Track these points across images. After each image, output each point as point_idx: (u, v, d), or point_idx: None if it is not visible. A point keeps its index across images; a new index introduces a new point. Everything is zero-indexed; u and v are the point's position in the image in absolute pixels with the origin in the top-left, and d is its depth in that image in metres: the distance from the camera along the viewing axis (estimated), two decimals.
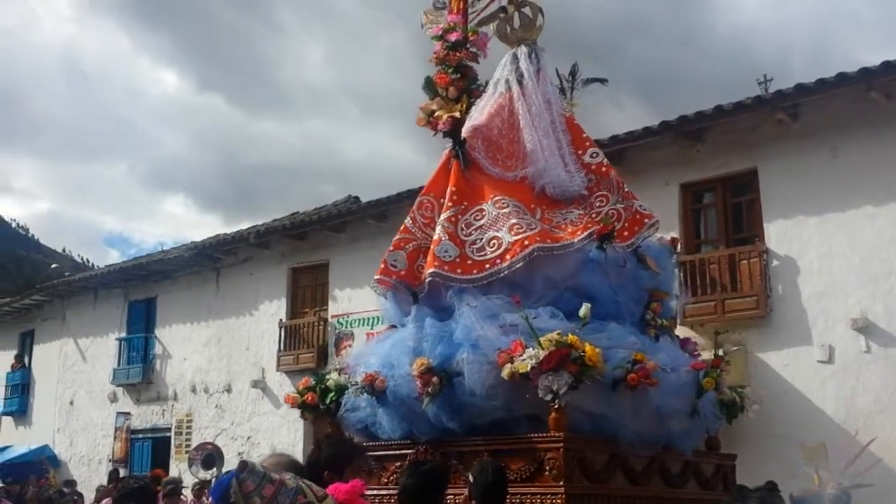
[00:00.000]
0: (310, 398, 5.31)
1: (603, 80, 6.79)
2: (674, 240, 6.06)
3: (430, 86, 5.60)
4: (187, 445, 18.22)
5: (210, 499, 3.41)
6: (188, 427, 19.10)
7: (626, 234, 5.44)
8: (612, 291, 5.15)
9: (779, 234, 12.12)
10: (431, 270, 4.99)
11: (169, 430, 19.57)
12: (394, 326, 5.38)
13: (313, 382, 5.34)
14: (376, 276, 5.33)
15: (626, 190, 5.70)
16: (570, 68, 6.72)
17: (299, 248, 17.60)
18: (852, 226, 11.50)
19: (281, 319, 17.48)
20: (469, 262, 5.02)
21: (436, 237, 5.13)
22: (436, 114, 5.51)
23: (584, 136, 5.94)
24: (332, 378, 5.29)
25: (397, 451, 4.99)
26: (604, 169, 5.73)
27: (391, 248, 5.36)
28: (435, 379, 4.64)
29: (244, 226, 22.41)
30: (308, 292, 17.49)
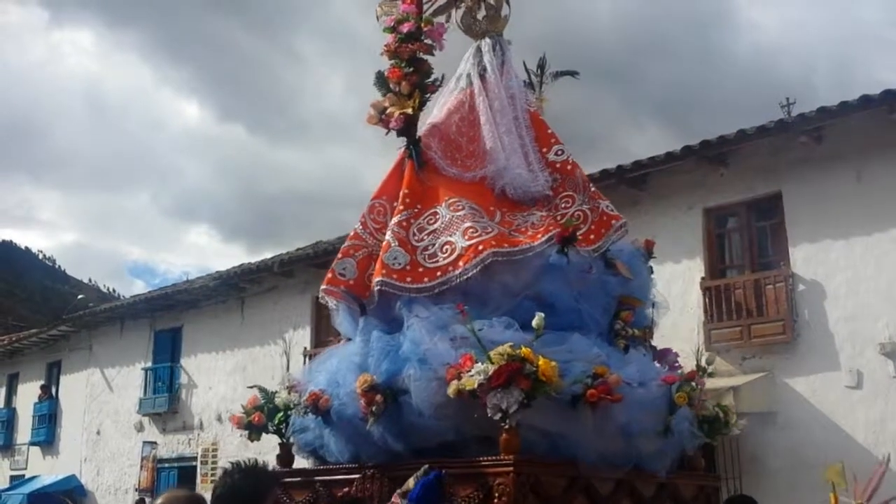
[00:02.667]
0: (257, 418, 4.94)
1: (574, 73, 6.27)
2: (648, 242, 5.56)
3: (381, 81, 5.20)
4: (213, 474, 18.23)
5: None
6: (214, 456, 19.13)
7: (592, 237, 5.02)
8: (574, 299, 4.73)
9: (804, 258, 12.03)
10: (379, 279, 4.64)
11: (195, 458, 19.63)
12: (350, 339, 5.02)
13: (261, 401, 4.99)
14: (323, 287, 4.98)
15: (594, 190, 5.29)
16: (538, 61, 6.22)
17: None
18: (879, 249, 11.39)
19: (305, 348, 17.52)
20: (420, 269, 4.66)
21: (385, 243, 4.78)
22: (388, 111, 5.11)
23: (550, 132, 5.50)
24: (282, 396, 4.94)
25: (345, 476, 4.60)
26: (569, 167, 5.30)
27: (339, 255, 5.01)
28: (379, 397, 4.28)
29: (267, 254, 22.54)
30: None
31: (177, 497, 2.76)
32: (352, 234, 5.09)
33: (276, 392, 5.02)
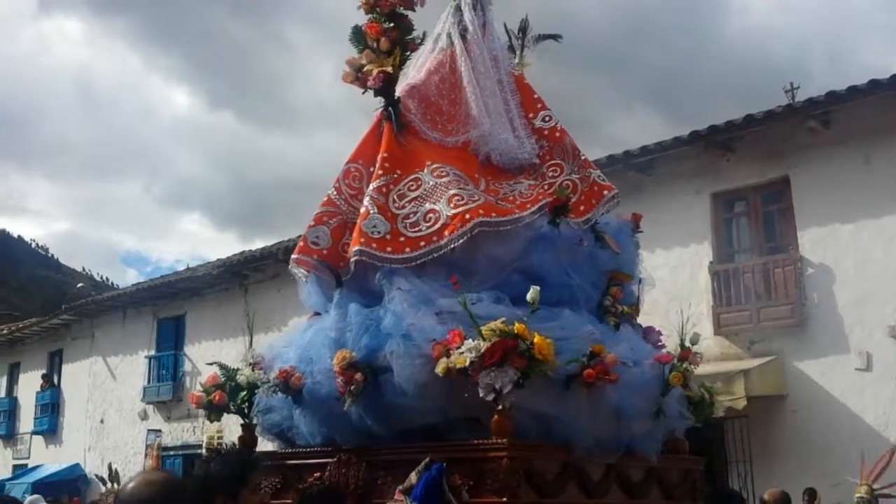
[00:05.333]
0: (217, 397, 4.54)
1: (556, 37, 5.92)
2: (635, 216, 5.20)
3: (358, 37, 4.81)
4: None
5: None
6: (219, 443, 19.14)
7: (582, 208, 4.73)
8: (565, 273, 4.44)
9: (813, 242, 12.04)
10: (357, 248, 4.28)
11: (200, 446, 19.62)
12: (318, 314, 4.67)
13: (222, 379, 4.61)
14: (294, 256, 4.68)
15: (584, 158, 4.97)
16: (520, 24, 5.83)
17: None
18: (887, 233, 11.41)
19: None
20: (401, 238, 4.32)
21: (363, 210, 4.43)
22: (365, 68, 4.73)
23: (536, 97, 5.20)
24: (245, 374, 4.54)
25: (317, 461, 4.28)
26: (557, 134, 5.00)
27: (312, 222, 4.67)
28: (359, 375, 3.95)
29: (260, 242, 22.43)
30: None
31: (149, 481, 2.46)
32: (325, 199, 4.74)
33: (239, 369, 4.64)
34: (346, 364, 3.99)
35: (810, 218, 12.08)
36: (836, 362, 11.51)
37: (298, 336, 4.62)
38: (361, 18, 4.93)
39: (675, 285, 12.41)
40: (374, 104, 4.92)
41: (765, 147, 12.53)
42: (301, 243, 4.67)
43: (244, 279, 19.41)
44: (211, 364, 4.81)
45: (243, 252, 20.09)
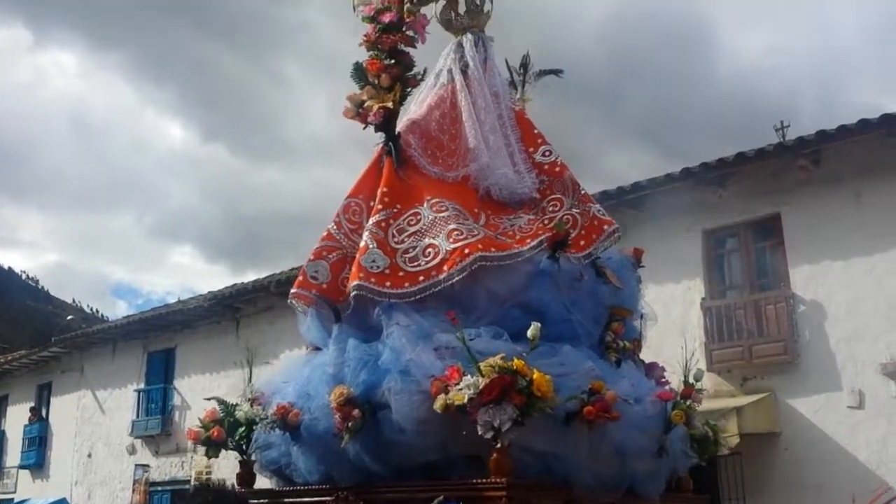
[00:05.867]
0: (216, 433, 4.52)
1: (558, 72, 5.95)
2: (636, 251, 5.23)
3: (359, 73, 4.84)
4: None
5: None
6: (208, 478, 18.96)
7: (582, 242, 4.72)
8: (565, 309, 4.41)
9: (804, 279, 12.08)
10: (356, 283, 4.26)
11: (188, 482, 19.41)
12: (318, 349, 4.64)
13: (220, 414, 4.59)
14: (293, 290, 4.63)
15: (584, 192, 4.98)
16: (521, 59, 5.86)
17: None
18: (878, 270, 11.46)
19: None
20: (400, 273, 4.30)
21: (362, 244, 4.41)
22: (366, 104, 4.76)
23: (537, 132, 5.22)
24: (243, 409, 4.52)
25: (314, 499, 4.24)
26: (557, 169, 5.01)
27: (311, 257, 4.65)
28: (356, 412, 3.92)
29: (251, 275, 22.40)
30: None
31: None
32: (325, 234, 4.74)
33: (238, 405, 4.63)
34: (344, 400, 3.96)
35: (801, 255, 12.13)
36: (828, 400, 11.50)
37: (297, 371, 4.59)
38: (361, 54, 4.95)
39: (668, 321, 12.38)
40: (371, 139, 4.94)
41: (756, 184, 12.61)
42: (300, 277, 4.64)
43: (236, 312, 19.34)
44: (210, 399, 4.82)
45: (235, 285, 20.05)
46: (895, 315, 11.22)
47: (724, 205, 12.96)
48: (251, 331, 19.09)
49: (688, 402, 4.46)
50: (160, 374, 21.03)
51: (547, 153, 5.12)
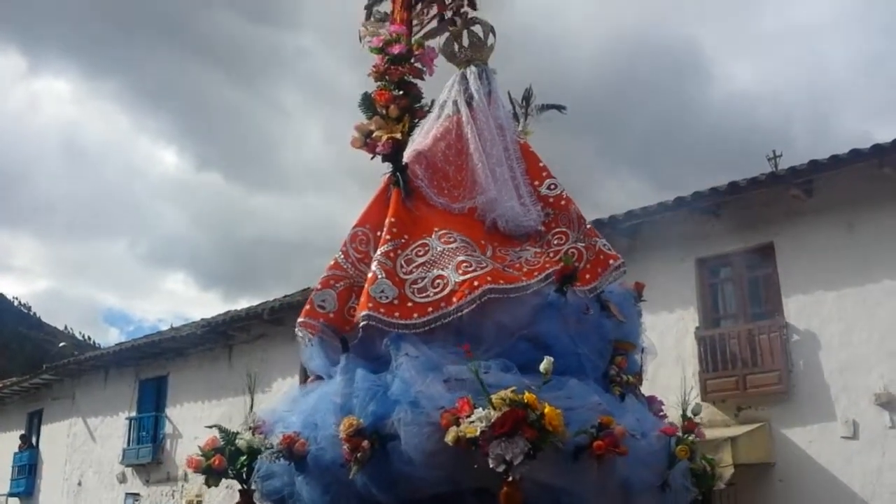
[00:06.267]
0: (217, 462, 4.43)
1: (560, 107, 6.00)
2: (638, 284, 5.26)
3: (368, 103, 4.86)
4: None
5: None
6: None
7: (588, 276, 4.75)
8: (572, 342, 4.43)
9: (798, 308, 12.09)
10: (365, 313, 4.26)
11: None
12: (320, 378, 4.64)
13: (221, 442, 4.52)
14: (300, 319, 4.61)
15: (589, 227, 5.03)
16: (524, 93, 5.92)
17: None
18: (871, 300, 11.49)
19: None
20: (409, 304, 4.30)
21: (371, 274, 4.41)
22: (374, 134, 4.76)
23: (542, 165, 5.27)
24: (245, 438, 4.46)
25: None
26: (563, 202, 5.05)
27: (318, 286, 4.65)
28: (365, 443, 3.90)
29: (244, 303, 22.34)
30: None
31: None
32: (332, 263, 4.74)
33: (239, 433, 4.57)
34: (353, 431, 3.94)
35: (795, 284, 12.16)
36: (822, 430, 11.49)
37: (301, 400, 4.57)
38: (359, 84, 5.01)
39: (662, 350, 12.33)
40: (365, 167, 4.96)
41: (749, 214, 12.66)
42: (307, 306, 4.63)
43: (229, 339, 19.28)
44: (211, 427, 4.74)
45: (228, 312, 20.01)
46: (888, 345, 11.23)
47: (718, 234, 12.99)
48: (244, 359, 19.02)
49: (691, 437, 4.50)
50: (152, 401, 20.92)
51: (552, 186, 5.16)
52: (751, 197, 12.48)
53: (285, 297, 19.02)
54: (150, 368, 21.11)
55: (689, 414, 4.67)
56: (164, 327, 23.84)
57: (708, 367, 12.56)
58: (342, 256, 4.75)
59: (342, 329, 4.50)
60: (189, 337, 19.86)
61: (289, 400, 4.74)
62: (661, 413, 4.89)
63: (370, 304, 4.29)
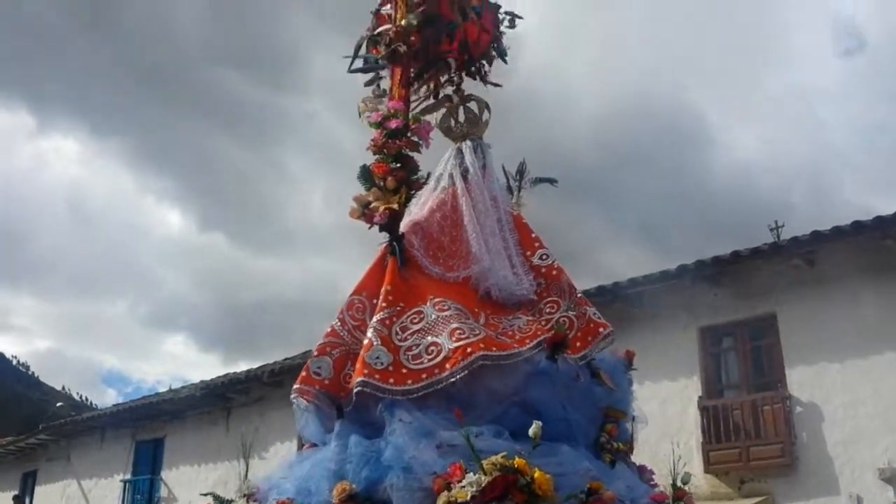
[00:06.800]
0: None
1: (552, 181, 6.19)
2: (628, 353, 5.31)
3: (366, 175, 5.03)
4: None
5: None
6: None
7: (578, 344, 4.83)
8: (562, 408, 4.50)
9: (801, 380, 12.05)
10: (360, 379, 4.32)
11: None
12: (315, 446, 4.70)
13: None
14: (296, 386, 4.64)
15: (580, 296, 5.13)
16: (518, 166, 6.14)
17: None
18: (875, 373, 11.45)
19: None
20: (403, 370, 4.38)
21: (366, 341, 4.48)
22: (372, 205, 4.94)
23: (534, 236, 5.40)
24: None
25: None
26: (554, 272, 5.16)
27: (315, 353, 4.70)
28: None
29: (244, 365, 22.17)
30: None
31: None
32: (328, 330, 4.81)
33: (234, 500, 4.61)
34: (346, 496, 3.97)
35: (798, 355, 12.13)
36: None
37: (296, 467, 4.60)
38: (360, 149, 5.20)
39: (664, 420, 12.31)
40: (367, 231, 5.06)
41: (751, 283, 12.69)
42: (303, 373, 4.67)
43: (227, 402, 19.16)
44: (205, 495, 4.74)
45: (227, 374, 19.91)
46: (893, 419, 11.16)
47: (720, 303, 13.01)
48: (242, 422, 18.86)
49: None
50: (148, 464, 20.73)
51: (544, 256, 5.26)
52: (753, 266, 12.53)
53: (285, 359, 18.96)
54: (147, 430, 20.96)
55: (678, 483, 4.68)
56: (163, 389, 23.73)
57: (711, 437, 12.45)
58: (339, 324, 4.80)
59: (338, 396, 4.54)
60: (187, 399, 19.76)
61: (284, 466, 4.76)
62: (652, 482, 4.89)
63: (365, 371, 4.35)
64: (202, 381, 20.52)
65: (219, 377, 20.25)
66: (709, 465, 12.09)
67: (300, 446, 17.32)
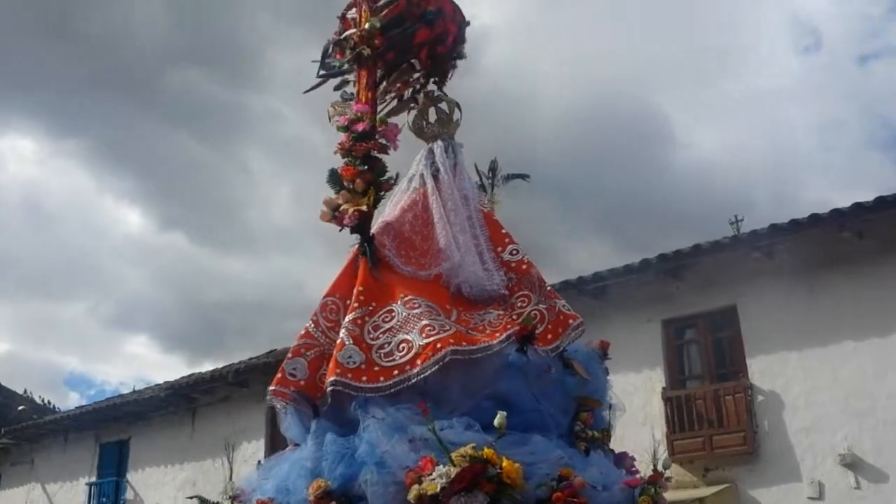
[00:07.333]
0: None
1: (524, 176, 6.32)
2: (603, 343, 5.45)
3: (335, 178, 5.13)
4: None
5: None
6: None
7: (549, 336, 4.93)
8: (534, 399, 4.60)
9: (761, 369, 12.29)
10: (333, 378, 4.42)
11: None
12: (297, 445, 4.78)
13: None
14: (272, 388, 4.74)
15: (549, 289, 5.23)
16: (490, 164, 6.25)
17: None
18: (834, 361, 11.72)
19: (259, 461, 17.14)
20: (376, 368, 4.47)
21: (339, 341, 4.59)
22: (341, 208, 5.03)
23: (504, 232, 5.49)
24: None
25: None
26: (524, 267, 5.25)
27: (290, 355, 4.80)
28: None
29: (208, 365, 22.07)
30: None
31: None
32: (303, 332, 4.91)
33: (219, 502, 4.75)
34: (322, 493, 4.05)
35: (758, 346, 12.37)
36: (788, 491, 11.60)
37: (276, 467, 4.69)
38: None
39: (630, 411, 12.40)
40: (331, 233, 5.14)
41: (712, 276, 12.91)
42: (279, 375, 4.76)
43: (192, 402, 19.06)
44: (191, 498, 4.87)
45: (192, 375, 19.80)
46: (852, 406, 11.42)
47: (682, 295, 13.22)
48: (208, 422, 18.79)
49: (655, 488, 4.57)
50: (113, 466, 20.54)
51: (514, 252, 5.36)
52: (714, 259, 12.74)
53: (251, 359, 18.91)
54: (111, 432, 20.77)
55: (659, 468, 4.78)
56: (126, 391, 23.50)
57: (675, 427, 12.66)
58: (312, 325, 4.90)
59: (313, 396, 4.62)
60: (152, 400, 19.61)
61: (265, 467, 4.86)
62: (633, 468, 5.00)
63: (338, 370, 4.44)
64: (166, 382, 20.38)
65: (183, 377, 20.12)
66: (674, 455, 12.28)
67: (269, 445, 17.34)
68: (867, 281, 11.63)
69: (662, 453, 5.01)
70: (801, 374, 11.86)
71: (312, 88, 5.79)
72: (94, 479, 20.64)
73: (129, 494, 19.97)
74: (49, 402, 30.52)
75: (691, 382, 13.31)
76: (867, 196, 11.18)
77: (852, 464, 11.14)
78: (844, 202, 11.56)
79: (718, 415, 12.38)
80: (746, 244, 12.41)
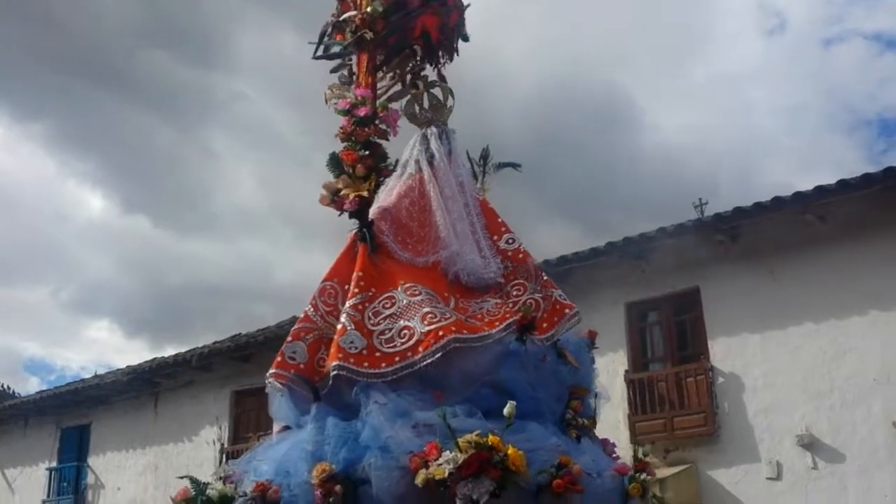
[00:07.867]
0: None
1: (516, 165, 6.34)
2: (591, 332, 5.56)
3: (335, 163, 5.14)
4: None
5: None
6: None
7: (545, 325, 5.02)
8: (531, 388, 4.70)
9: (723, 351, 12.41)
10: (336, 363, 4.47)
11: None
12: (288, 428, 4.85)
13: (193, 493, 4.60)
14: (271, 371, 4.76)
15: (545, 278, 5.31)
16: (482, 152, 6.27)
17: (244, 371, 17.35)
18: (793, 343, 11.86)
19: (223, 445, 17.03)
20: (377, 354, 4.53)
21: (340, 326, 4.63)
22: (341, 193, 5.04)
23: (500, 220, 5.57)
24: (216, 487, 4.52)
25: None
26: (521, 255, 5.34)
27: (289, 338, 4.83)
28: (338, 488, 4.08)
29: (171, 350, 21.89)
30: (252, 416, 17.09)
31: None
32: (302, 316, 4.95)
33: (210, 483, 4.61)
34: (326, 476, 4.10)
35: (720, 328, 12.48)
36: (747, 471, 11.73)
37: (272, 449, 4.72)
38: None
39: (606, 391, 12.52)
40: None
41: (676, 259, 12.99)
42: (278, 358, 4.79)
43: (155, 387, 18.90)
44: (182, 478, 4.80)
45: (155, 359, 19.61)
46: (811, 387, 11.57)
47: (647, 279, 13.30)
48: (171, 406, 18.65)
49: (643, 476, 4.72)
50: (73, 451, 20.34)
51: (510, 241, 5.44)
52: (678, 242, 12.81)
53: (215, 343, 18.76)
54: (73, 417, 20.56)
55: (640, 456, 4.91)
56: (88, 376, 23.22)
57: (637, 409, 12.77)
58: (311, 310, 4.93)
59: (312, 379, 4.67)
60: (114, 384, 19.42)
61: (259, 449, 4.89)
62: (615, 455, 5.13)
63: (340, 355, 4.49)
64: (129, 367, 20.17)
65: (146, 362, 19.91)
66: (635, 436, 12.37)
67: (233, 429, 17.18)
68: (828, 264, 11.79)
69: (623, 437, 5.08)
70: (761, 356, 12.00)
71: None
72: (54, 464, 20.43)
73: (90, 479, 19.79)
74: (9, 388, 30.05)
75: (654, 365, 13.42)
76: (829, 179, 11.32)
77: (810, 444, 11.30)
78: (807, 185, 11.68)
79: (680, 397, 12.50)
80: (710, 227, 12.52)
